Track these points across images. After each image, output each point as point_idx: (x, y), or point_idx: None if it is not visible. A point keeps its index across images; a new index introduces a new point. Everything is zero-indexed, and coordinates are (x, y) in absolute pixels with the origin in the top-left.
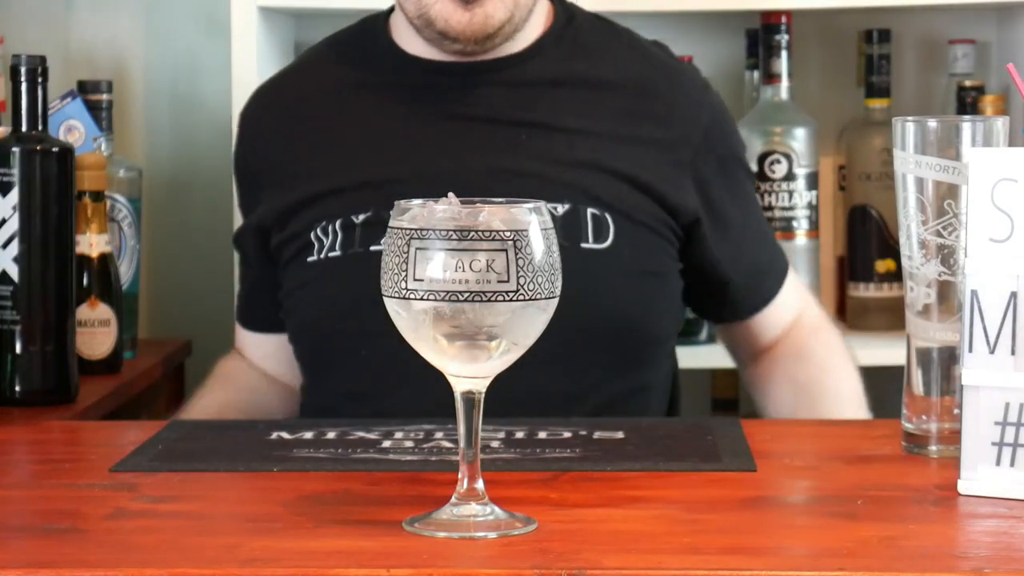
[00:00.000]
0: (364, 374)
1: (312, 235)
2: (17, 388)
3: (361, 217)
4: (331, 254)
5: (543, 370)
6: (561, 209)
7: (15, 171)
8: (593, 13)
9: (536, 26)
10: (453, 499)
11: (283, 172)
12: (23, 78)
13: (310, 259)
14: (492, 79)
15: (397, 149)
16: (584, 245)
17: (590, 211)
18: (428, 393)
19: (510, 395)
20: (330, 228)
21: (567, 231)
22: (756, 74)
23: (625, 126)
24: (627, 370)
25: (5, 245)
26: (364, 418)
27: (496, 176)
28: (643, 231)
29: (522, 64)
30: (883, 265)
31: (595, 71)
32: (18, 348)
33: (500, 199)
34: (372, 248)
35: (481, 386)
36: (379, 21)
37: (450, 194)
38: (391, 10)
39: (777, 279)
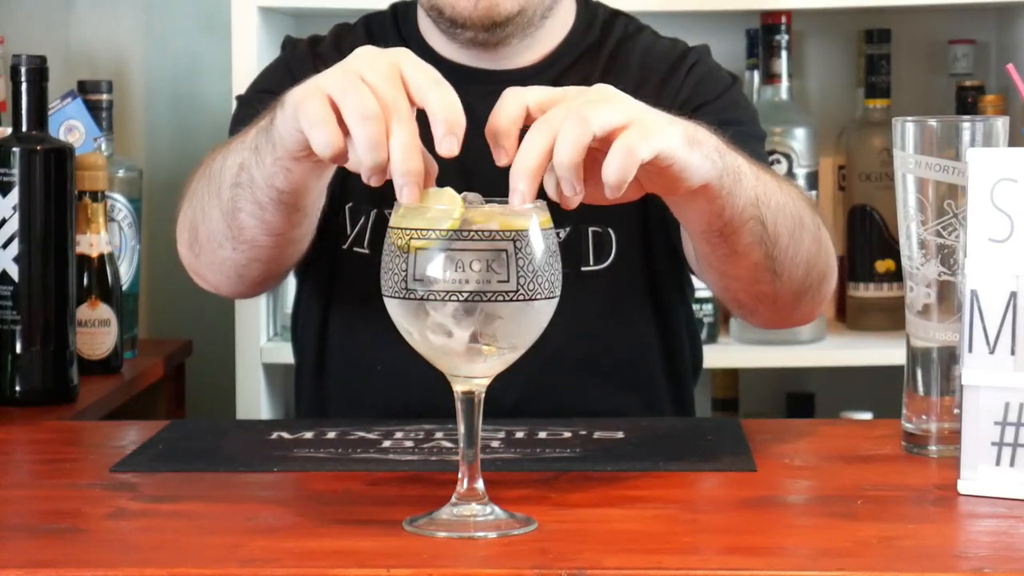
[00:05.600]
0: (376, 385)
1: (346, 211)
2: (17, 388)
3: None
4: (356, 249)
5: (548, 392)
6: (563, 234)
7: (15, 171)
8: (611, 11)
9: (561, 28)
10: (453, 499)
11: None
12: (23, 78)
13: (343, 246)
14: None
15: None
16: (585, 268)
17: (591, 230)
18: (435, 401)
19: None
20: (361, 217)
21: (568, 256)
22: (756, 74)
23: None
24: (632, 391)
25: (5, 245)
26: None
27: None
28: (644, 242)
29: (540, 76)
30: (883, 265)
31: (611, 81)
32: (18, 348)
33: (501, 199)
34: None
35: (481, 386)
36: (410, 12)
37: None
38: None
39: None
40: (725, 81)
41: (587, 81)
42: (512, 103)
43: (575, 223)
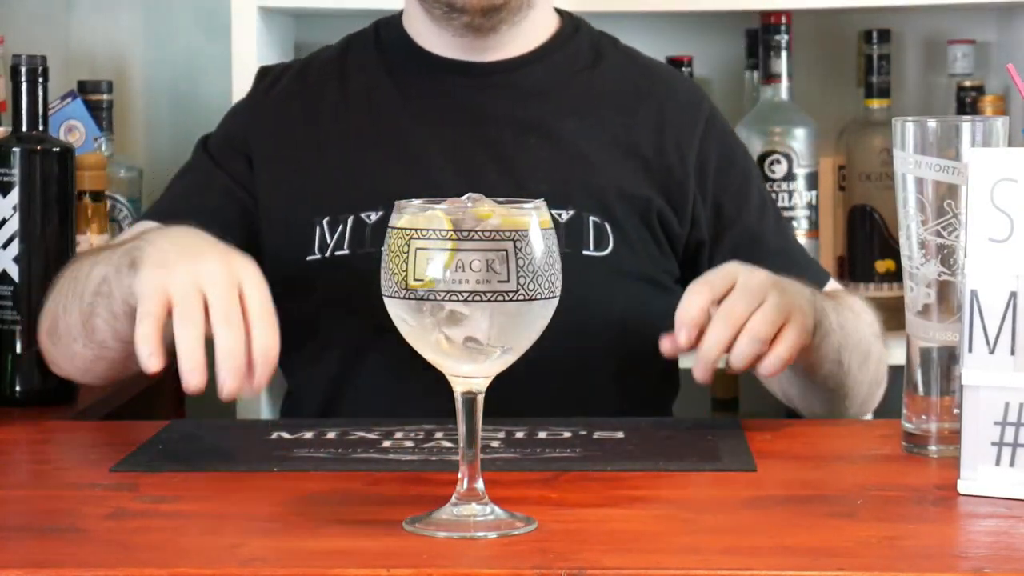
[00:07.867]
0: (370, 375)
1: (323, 225)
2: (17, 388)
3: (373, 217)
4: (337, 253)
5: (544, 376)
6: (565, 215)
7: (15, 171)
8: (598, 30)
9: (543, 30)
10: (453, 499)
11: (290, 156)
12: (23, 78)
13: (310, 257)
14: (501, 81)
15: (407, 148)
16: (586, 252)
17: (592, 219)
18: (435, 401)
19: (511, 401)
20: (339, 225)
21: (570, 238)
22: (756, 74)
23: (625, 135)
24: (627, 376)
25: (5, 245)
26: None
27: (504, 179)
28: (640, 242)
29: (529, 67)
30: (883, 265)
31: (598, 80)
32: (18, 348)
33: (501, 199)
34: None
35: (481, 386)
36: (392, 20)
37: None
38: (402, 12)
39: (818, 278)
40: (733, 136)
41: (570, 74)
42: (700, 298)
43: (579, 209)
